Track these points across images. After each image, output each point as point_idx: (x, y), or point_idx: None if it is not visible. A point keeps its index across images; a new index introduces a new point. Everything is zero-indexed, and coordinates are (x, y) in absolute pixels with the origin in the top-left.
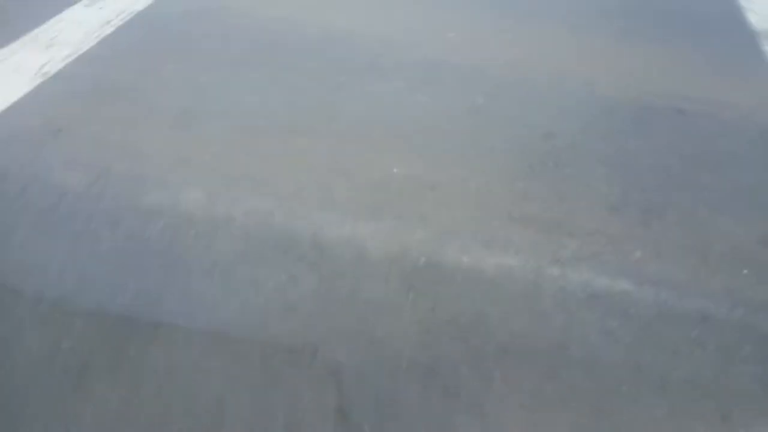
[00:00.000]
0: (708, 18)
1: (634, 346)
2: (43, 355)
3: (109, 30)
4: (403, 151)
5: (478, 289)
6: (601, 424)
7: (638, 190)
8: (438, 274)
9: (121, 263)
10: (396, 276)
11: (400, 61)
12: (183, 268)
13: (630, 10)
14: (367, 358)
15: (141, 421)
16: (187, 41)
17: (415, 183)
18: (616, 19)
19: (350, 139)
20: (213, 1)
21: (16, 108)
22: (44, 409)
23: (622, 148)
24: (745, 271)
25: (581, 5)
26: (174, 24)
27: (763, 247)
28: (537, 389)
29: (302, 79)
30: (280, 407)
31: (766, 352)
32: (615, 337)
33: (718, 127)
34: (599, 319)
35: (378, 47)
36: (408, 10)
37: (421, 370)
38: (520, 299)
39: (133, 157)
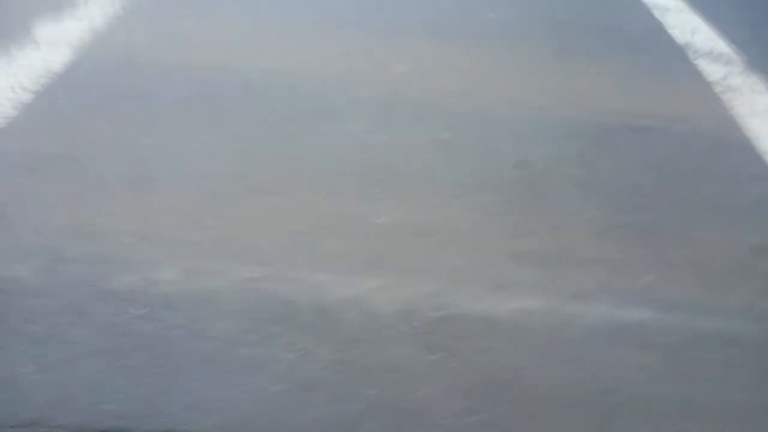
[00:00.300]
0: (635, 34)
1: (671, 377)
2: None
3: (27, 97)
4: (379, 198)
5: (503, 340)
6: None
7: (622, 212)
8: (457, 329)
9: (100, 367)
10: (414, 336)
11: (352, 100)
12: (174, 363)
13: (560, 29)
14: None
15: None
16: (119, 101)
17: (404, 232)
18: (549, 39)
19: (319, 192)
20: (140, 56)
21: None
22: None
23: (592, 170)
24: (752, 285)
25: (512, 28)
26: (101, 84)
27: (758, 258)
28: None
29: (253, 132)
30: None
31: None
32: (652, 371)
33: (674, 142)
34: (634, 355)
35: (324, 87)
36: (348, 46)
37: None
38: (549, 346)
39: (88, 238)
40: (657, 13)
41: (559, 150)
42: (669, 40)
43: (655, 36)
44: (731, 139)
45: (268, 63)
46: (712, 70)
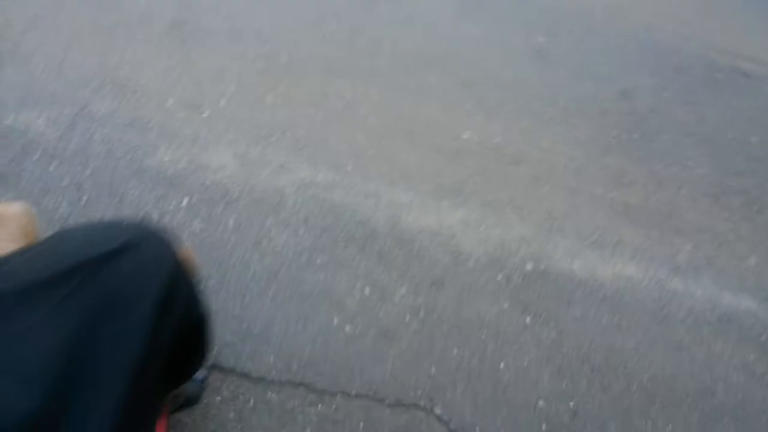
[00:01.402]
0: None
1: None
2: None
3: None
4: (466, 105)
5: (601, 311)
6: None
7: (731, 174)
8: (551, 288)
9: None
10: (506, 291)
11: None
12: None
13: None
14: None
15: None
16: None
17: (494, 154)
18: None
19: (399, 85)
20: None
21: None
22: None
23: (702, 118)
24: None
25: None
26: None
27: None
28: None
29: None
30: None
31: None
32: (755, 374)
33: None
34: (735, 351)
35: None
36: None
37: (564, 430)
38: (651, 326)
39: None
40: None
41: (665, 85)
42: None
43: None
44: None
45: None
46: None
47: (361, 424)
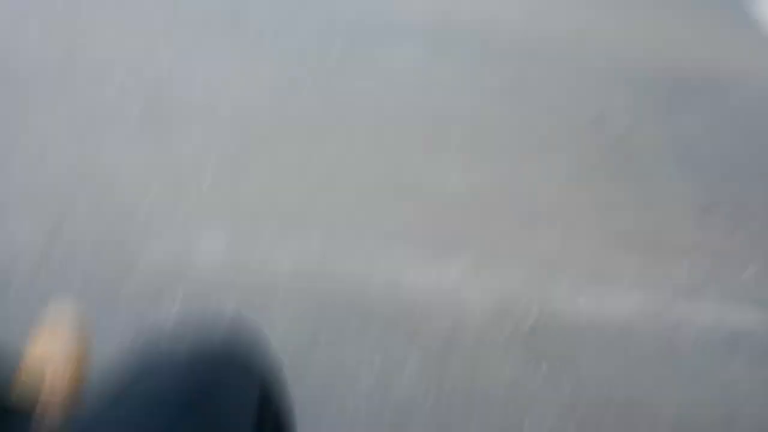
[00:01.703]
0: None
1: None
2: None
3: None
4: (446, 148)
5: (614, 348)
6: None
7: (717, 184)
8: (561, 331)
9: None
10: (515, 341)
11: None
12: None
13: None
14: None
15: None
16: None
17: (483, 196)
18: None
19: (380, 141)
20: None
21: None
22: None
23: (678, 131)
24: None
25: None
26: None
27: None
28: None
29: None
30: None
31: None
32: None
33: (756, 96)
34: (748, 371)
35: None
36: None
37: None
38: (664, 357)
39: None
40: None
41: (637, 104)
42: None
43: None
44: None
45: None
46: None
47: None
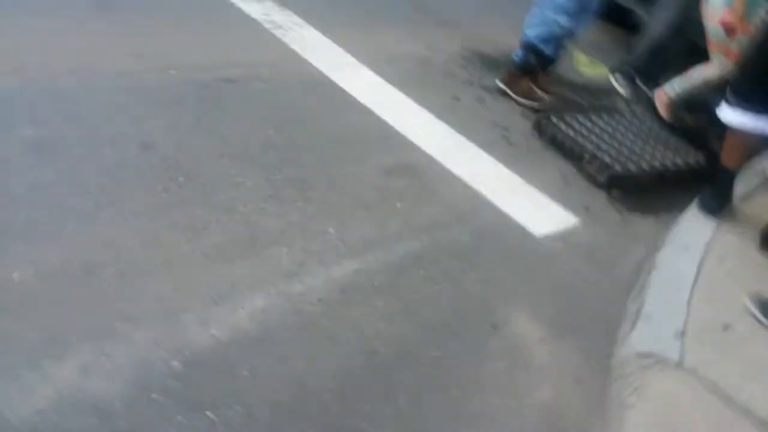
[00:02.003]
0: None
1: None
2: None
3: None
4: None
5: None
6: None
7: (274, 174)
8: None
9: None
10: None
11: None
12: None
13: None
14: None
15: None
16: None
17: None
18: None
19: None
20: None
21: None
22: None
23: (216, 134)
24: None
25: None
26: None
27: (388, 177)
28: None
29: None
30: None
31: None
32: None
33: (274, 88)
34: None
35: None
36: None
37: None
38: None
39: None
40: None
41: (172, 120)
42: None
43: None
44: (308, 75)
45: None
46: (253, 9)
47: None
